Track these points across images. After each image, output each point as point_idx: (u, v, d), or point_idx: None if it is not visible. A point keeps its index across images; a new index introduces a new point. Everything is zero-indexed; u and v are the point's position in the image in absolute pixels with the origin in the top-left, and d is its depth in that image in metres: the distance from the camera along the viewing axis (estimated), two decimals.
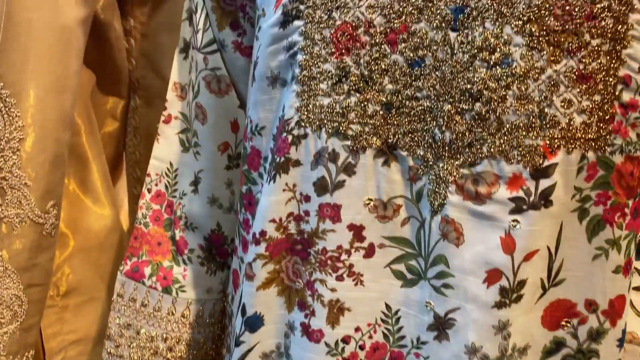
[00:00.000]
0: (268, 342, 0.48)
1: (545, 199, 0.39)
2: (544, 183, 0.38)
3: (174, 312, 0.60)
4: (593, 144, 0.38)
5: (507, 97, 0.38)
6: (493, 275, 0.40)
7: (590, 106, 0.38)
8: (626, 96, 0.38)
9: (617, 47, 0.37)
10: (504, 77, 0.38)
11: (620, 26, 0.37)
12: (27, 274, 0.65)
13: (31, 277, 0.65)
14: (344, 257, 0.44)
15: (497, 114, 0.38)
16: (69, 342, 0.76)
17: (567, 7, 0.36)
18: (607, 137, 0.38)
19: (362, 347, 0.45)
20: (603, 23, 0.36)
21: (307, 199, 0.44)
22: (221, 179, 0.59)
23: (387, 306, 0.44)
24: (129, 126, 0.86)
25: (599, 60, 0.37)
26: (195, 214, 0.59)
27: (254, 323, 0.47)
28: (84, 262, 0.78)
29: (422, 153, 0.41)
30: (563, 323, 0.42)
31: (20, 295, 0.65)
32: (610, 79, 0.37)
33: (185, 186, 0.61)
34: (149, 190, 0.63)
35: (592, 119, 0.38)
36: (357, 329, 0.44)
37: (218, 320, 0.62)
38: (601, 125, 0.38)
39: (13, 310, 0.64)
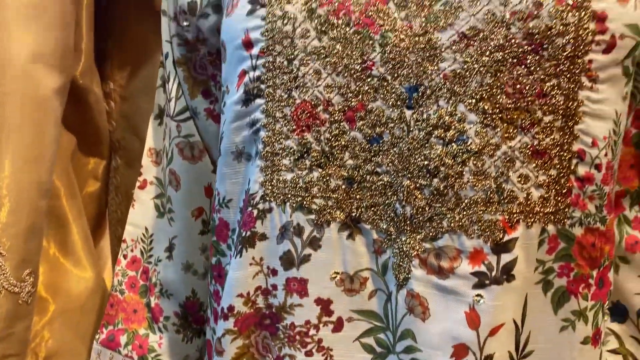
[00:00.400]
0: None
1: (507, 274, 0.39)
2: (505, 257, 0.38)
3: None
4: (552, 217, 0.38)
5: (464, 173, 0.38)
6: (460, 351, 0.39)
7: (547, 180, 0.38)
8: (582, 170, 0.39)
9: (569, 123, 0.37)
10: (460, 154, 0.38)
11: (570, 103, 0.37)
12: (2, 344, 0.64)
13: (6, 348, 0.64)
14: (312, 332, 0.43)
15: (455, 190, 0.39)
16: None
17: (518, 86, 0.37)
18: (566, 210, 0.38)
19: None
20: (554, 100, 0.37)
21: (274, 272, 0.44)
22: (195, 245, 0.59)
23: None
24: (110, 185, 0.86)
25: (553, 136, 0.38)
26: (170, 281, 0.59)
27: None
28: (64, 326, 0.77)
29: (385, 226, 0.41)
30: None
31: None
32: (565, 154, 0.38)
33: (161, 252, 0.60)
34: (125, 257, 0.63)
35: (549, 193, 0.38)
36: None
37: None
38: (559, 198, 0.38)
39: None
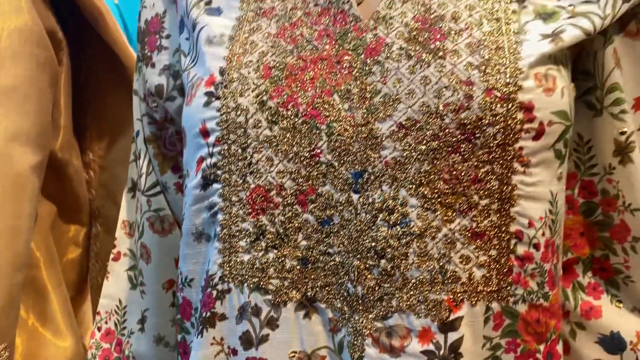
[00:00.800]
0: None
1: (454, 352, 0.40)
2: (452, 336, 0.40)
3: None
4: (495, 295, 0.40)
5: (409, 254, 0.40)
6: None
7: (488, 260, 0.40)
8: (521, 249, 0.40)
9: (505, 206, 0.39)
10: (404, 236, 0.40)
11: (504, 187, 0.39)
12: None
13: None
14: None
15: (402, 271, 0.40)
16: None
17: (454, 172, 0.39)
18: (508, 288, 0.40)
19: None
20: (488, 185, 0.39)
21: (235, 352, 0.45)
22: (167, 317, 0.60)
23: None
24: (91, 252, 0.87)
25: (490, 219, 0.39)
26: (142, 353, 0.60)
27: None
28: None
29: (339, 305, 0.42)
30: None
31: None
32: (503, 235, 0.40)
33: (133, 324, 0.61)
34: (99, 329, 0.64)
35: (491, 273, 0.40)
36: None
37: None
38: (501, 277, 0.40)
39: None
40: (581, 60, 0.47)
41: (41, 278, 0.78)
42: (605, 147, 0.47)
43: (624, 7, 0.42)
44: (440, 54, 0.40)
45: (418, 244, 0.40)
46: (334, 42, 0.42)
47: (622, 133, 0.46)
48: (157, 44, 0.55)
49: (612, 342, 0.48)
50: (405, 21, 0.41)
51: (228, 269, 0.44)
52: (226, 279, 0.44)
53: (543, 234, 0.40)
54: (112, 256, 0.65)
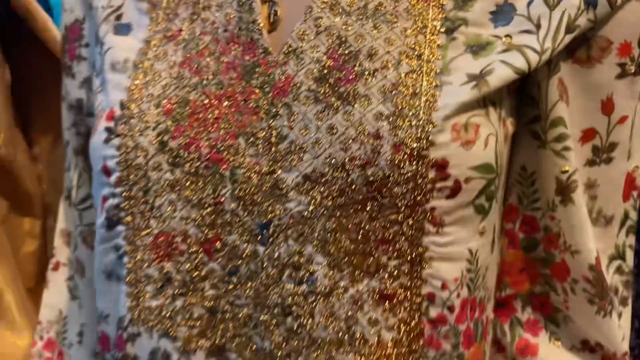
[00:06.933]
0: None
1: None
2: None
3: None
4: (406, 357, 0.37)
5: (315, 314, 0.37)
6: None
7: (397, 323, 0.37)
8: (433, 312, 0.38)
9: (416, 268, 0.36)
10: (310, 295, 0.37)
11: (415, 249, 0.36)
12: None
13: None
14: None
15: (307, 330, 0.38)
16: None
17: (362, 231, 0.36)
18: (420, 351, 0.37)
19: None
20: (398, 246, 0.36)
21: None
22: None
23: None
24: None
25: (400, 281, 0.36)
26: None
27: None
28: None
29: (249, 357, 0.40)
30: None
31: None
32: (414, 297, 0.37)
33: (73, 336, 0.60)
34: (41, 338, 0.63)
35: (401, 335, 0.37)
36: None
37: None
38: (411, 339, 0.37)
39: None
40: (528, 85, 0.43)
41: None
42: (547, 183, 0.43)
43: (566, 39, 0.38)
44: (350, 99, 0.36)
45: (325, 304, 0.37)
46: (240, 78, 0.38)
47: (564, 172, 0.42)
48: (77, 53, 0.51)
49: None
50: (317, 57, 0.37)
51: (137, 313, 0.42)
52: (135, 323, 0.42)
53: (458, 295, 0.38)
54: (50, 266, 0.63)
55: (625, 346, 0.45)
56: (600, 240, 0.45)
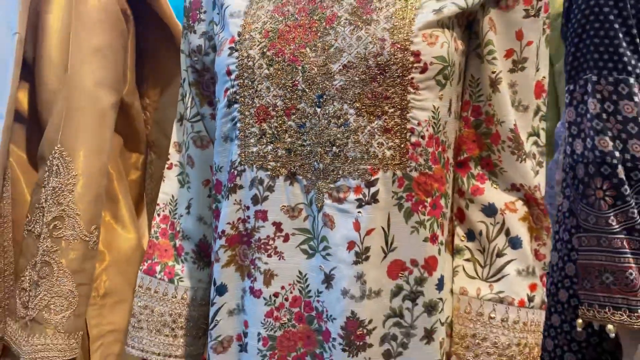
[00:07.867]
0: (231, 303, 0.75)
1: (374, 199, 0.67)
2: (372, 190, 0.67)
3: (176, 295, 0.87)
4: (398, 166, 0.67)
5: (349, 143, 0.67)
6: (351, 244, 0.67)
7: (393, 145, 0.67)
8: (413, 139, 0.67)
9: (404, 113, 0.66)
10: (346, 132, 0.67)
11: (403, 102, 0.66)
12: (78, 275, 0.95)
13: (81, 278, 0.95)
14: (271, 242, 0.72)
15: (344, 153, 0.67)
16: (106, 331, 1.04)
17: (374, 93, 0.66)
18: (406, 162, 0.67)
19: (286, 299, 0.72)
20: (394, 101, 0.66)
21: (247, 208, 0.73)
22: (205, 204, 0.88)
23: (300, 272, 0.72)
24: (147, 173, 1.17)
25: (395, 121, 0.66)
26: (189, 229, 0.88)
27: (221, 290, 0.75)
28: (116, 273, 1.07)
29: (310, 176, 0.70)
30: (400, 274, 0.69)
31: (73, 290, 0.94)
32: (403, 130, 0.67)
33: (182, 210, 0.89)
34: (159, 215, 0.92)
35: (395, 152, 0.67)
36: (282, 287, 0.72)
37: (207, 302, 0.89)
38: (401, 155, 0.67)
39: (68, 301, 0.94)
40: (473, 25, 0.73)
41: (114, 189, 1.08)
42: (485, 83, 0.73)
43: None
44: (369, 22, 0.66)
45: (354, 137, 0.67)
46: (307, 16, 0.69)
47: (493, 72, 0.72)
48: (198, 17, 0.83)
49: (489, 209, 0.74)
50: (350, 1, 0.68)
51: (244, 156, 0.72)
52: (242, 163, 0.72)
53: (427, 130, 0.67)
54: (166, 166, 0.93)
55: (536, 181, 0.74)
56: (520, 120, 0.74)
